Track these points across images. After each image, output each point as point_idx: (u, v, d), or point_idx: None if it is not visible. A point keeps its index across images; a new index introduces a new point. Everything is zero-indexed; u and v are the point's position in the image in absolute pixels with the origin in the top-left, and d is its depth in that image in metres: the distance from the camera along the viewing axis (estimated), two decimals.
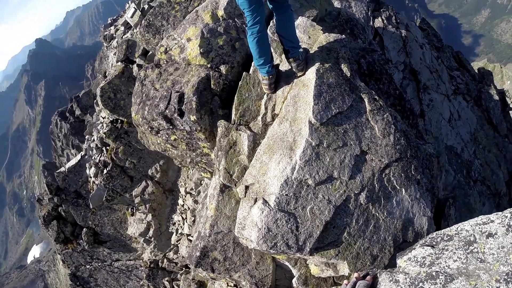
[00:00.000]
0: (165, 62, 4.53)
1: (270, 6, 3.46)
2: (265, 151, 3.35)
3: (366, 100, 3.56)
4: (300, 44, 3.59)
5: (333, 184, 3.30)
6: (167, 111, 3.97)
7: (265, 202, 3.15)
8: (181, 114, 3.86)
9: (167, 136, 4.40)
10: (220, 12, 4.45)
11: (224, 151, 3.57)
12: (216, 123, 3.94)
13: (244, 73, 3.87)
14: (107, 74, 9.89)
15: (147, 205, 8.36)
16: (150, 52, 6.95)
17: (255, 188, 3.28)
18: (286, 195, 3.14)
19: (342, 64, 3.58)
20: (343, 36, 3.82)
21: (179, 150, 4.61)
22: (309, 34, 3.96)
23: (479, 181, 10.35)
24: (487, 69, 13.84)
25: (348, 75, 3.56)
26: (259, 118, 3.61)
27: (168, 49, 4.54)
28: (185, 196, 8.06)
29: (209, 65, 4.08)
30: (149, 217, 8.38)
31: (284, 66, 3.78)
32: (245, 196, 3.33)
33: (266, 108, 3.61)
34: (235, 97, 3.75)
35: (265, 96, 3.70)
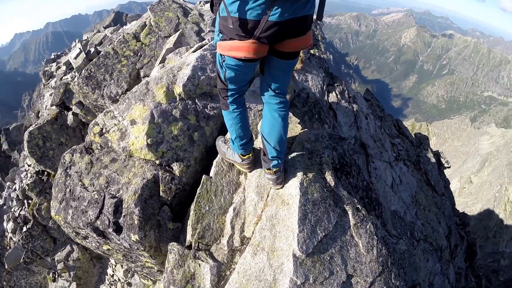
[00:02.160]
0: (99, 148, 3.53)
1: (262, 92, 2.63)
2: None
3: (350, 212, 2.96)
4: None
5: None
6: (98, 222, 2.96)
7: None
8: (118, 229, 2.88)
9: (97, 244, 3.36)
10: (178, 89, 3.48)
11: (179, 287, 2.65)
12: (164, 237, 3.03)
13: (204, 176, 3.01)
14: (40, 115, 8.71)
15: (72, 273, 7.13)
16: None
17: None
18: None
19: (326, 172, 2.95)
20: (324, 132, 3.23)
21: (114, 258, 3.57)
22: None
23: (422, 240, 10.66)
24: (424, 134, 14.96)
25: (332, 185, 2.93)
26: (224, 241, 2.76)
27: (104, 130, 3.54)
28: (115, 266, 6.91)
29: (157, 162, 3.14)
30: (73, 286, 7.15)
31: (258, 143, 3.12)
32: None
33: (232, 228, 2.78)
34: (192, 211, 2.86)
35: (230, 211, 2.87)
